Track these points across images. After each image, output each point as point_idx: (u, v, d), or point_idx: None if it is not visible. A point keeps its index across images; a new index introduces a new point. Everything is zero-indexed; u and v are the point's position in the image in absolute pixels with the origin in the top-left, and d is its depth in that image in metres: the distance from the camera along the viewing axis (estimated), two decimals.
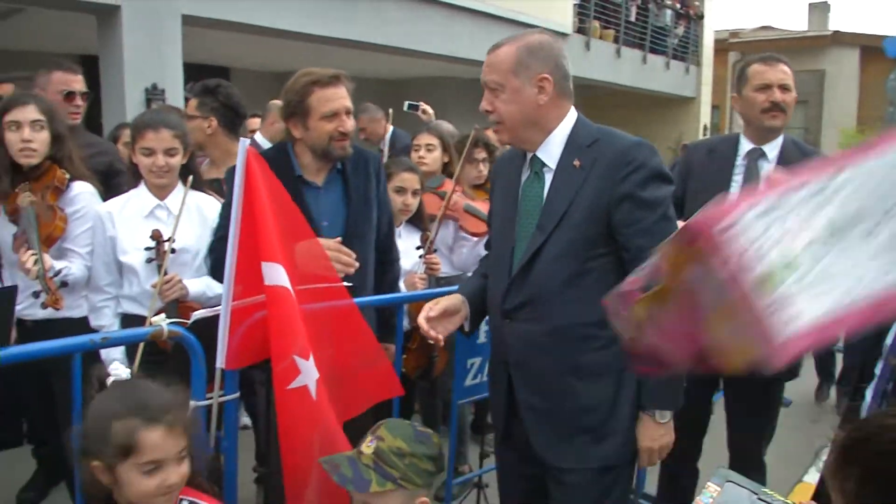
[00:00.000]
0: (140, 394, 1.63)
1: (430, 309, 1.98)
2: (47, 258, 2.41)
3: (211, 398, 1.82)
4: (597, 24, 13.17)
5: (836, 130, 19.10)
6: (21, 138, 2.50)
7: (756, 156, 2.71)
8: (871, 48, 20.32)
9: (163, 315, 1.69)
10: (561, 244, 1.86)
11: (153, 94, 7.17)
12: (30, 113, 2.52)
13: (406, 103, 5.49)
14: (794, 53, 21.28)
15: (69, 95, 3.23)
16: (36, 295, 2.42)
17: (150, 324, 1.80)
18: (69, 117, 3.12)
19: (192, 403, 1.82)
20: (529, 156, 1.97)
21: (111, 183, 3.00)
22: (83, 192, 2.61)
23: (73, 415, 1.76)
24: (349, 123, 2.48)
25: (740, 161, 2.74)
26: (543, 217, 1.89)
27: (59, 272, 2.45)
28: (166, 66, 7.35)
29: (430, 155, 3.64)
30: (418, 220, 3.19)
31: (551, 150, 1.92)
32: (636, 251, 1.79)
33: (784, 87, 2.68)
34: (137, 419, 1.58)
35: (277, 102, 4.95)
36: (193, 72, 8.56)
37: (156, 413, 1.59)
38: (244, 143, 1.64)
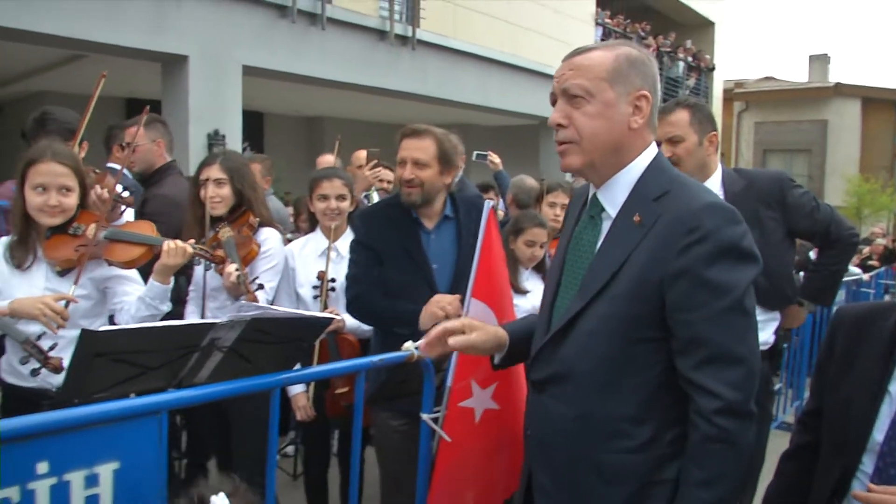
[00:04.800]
0: None
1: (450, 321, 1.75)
2: (246, 270, 2.70)
3: (438, 411, 2.06)
4: None
5: (840, 178, 19.61)
6: (206, 194, 2.83)
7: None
8: (871, 99, 21.05)
9: (410, 342, 1.94)
10: (599, 317, 1.49)
11: (215, 139, 7.46)
12: (213, 172, 2.85)
13: (475, 153, 5.72)
14: (798, 103, 22.01)
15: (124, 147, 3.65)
16: (236, 300, 2.71)
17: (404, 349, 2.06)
18: (130, 165, 3.45)
19: (424, 416, 2.08)
20: (591, 192, 1.60)
21: None
22: (270, 237, 2.92)
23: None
24: (407, 172, 2.55)
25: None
26: (587, 277, 1.53)
27: (256, 278, 2.74)
28: (227, 113, 7.65)
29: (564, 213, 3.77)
30: (541, 267, 3.44)
31: (615, 193, 1.54)
32: (686, 342, 1.43)
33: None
34: None
35: (359, 153, 5.23)
36: None
37: None
38: (489, 204, 1.92)
